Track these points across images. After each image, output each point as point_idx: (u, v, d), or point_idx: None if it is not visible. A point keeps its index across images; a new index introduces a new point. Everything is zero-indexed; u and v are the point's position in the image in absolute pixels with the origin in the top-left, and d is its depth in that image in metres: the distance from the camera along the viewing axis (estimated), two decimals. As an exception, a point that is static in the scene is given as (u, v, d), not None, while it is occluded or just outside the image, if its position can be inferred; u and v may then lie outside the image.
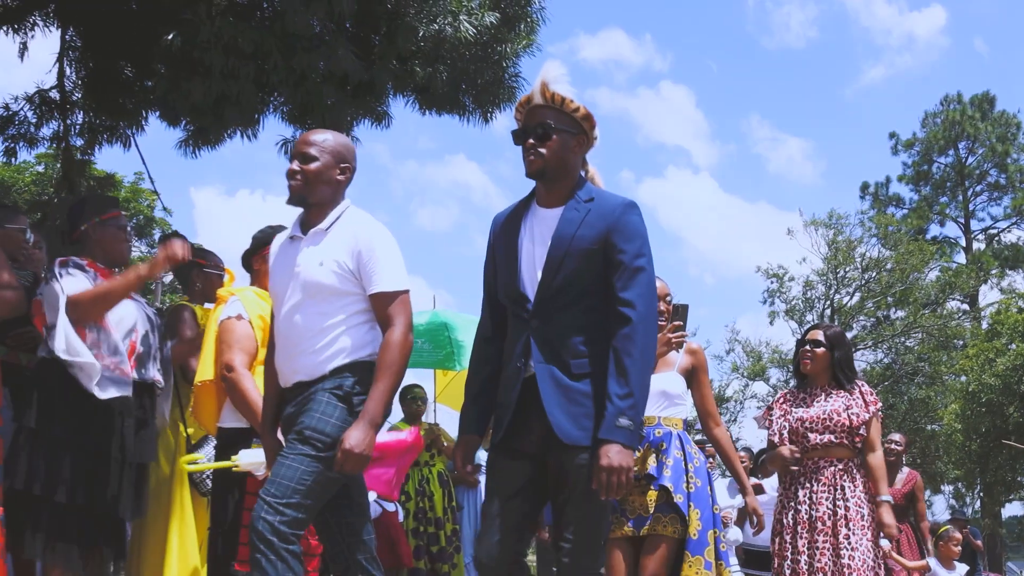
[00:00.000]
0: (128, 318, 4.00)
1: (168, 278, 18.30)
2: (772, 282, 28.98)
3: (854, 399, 4.55)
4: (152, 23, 6.17)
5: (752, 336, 40.37)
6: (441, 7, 6.19)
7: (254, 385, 3.76)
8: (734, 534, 7.47)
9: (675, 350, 4.03)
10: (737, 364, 28.99)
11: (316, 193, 3.23)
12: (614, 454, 2.73)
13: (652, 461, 3.97)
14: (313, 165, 3.22)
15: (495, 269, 3.08)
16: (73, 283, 3.85)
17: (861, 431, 4.51)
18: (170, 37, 5.73)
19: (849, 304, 27.91)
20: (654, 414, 4.02)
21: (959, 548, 7.14)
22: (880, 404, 4.69)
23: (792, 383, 4.97)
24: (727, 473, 7.33)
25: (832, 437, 4.50)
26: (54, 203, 7.93)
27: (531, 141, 2.94)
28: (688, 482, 3.94)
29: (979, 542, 11.68)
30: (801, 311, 28.29)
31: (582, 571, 2.92)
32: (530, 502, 2.97)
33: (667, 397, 4.08)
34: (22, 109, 7.54)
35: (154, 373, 4.05)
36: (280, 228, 4.29)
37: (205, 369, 3.97)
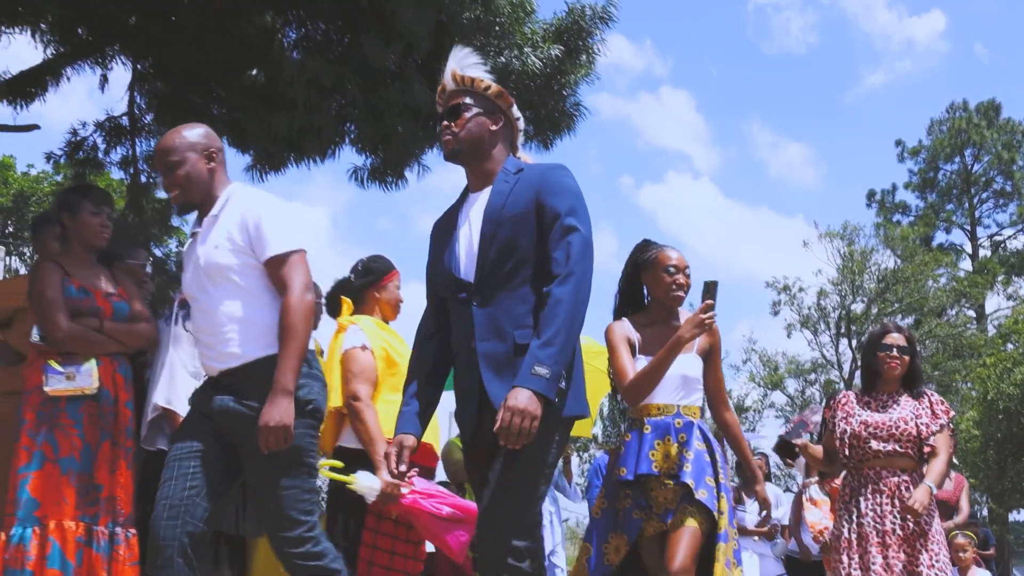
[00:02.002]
0: None
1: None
2: (783, 295, 29.16)
3: (923, 408, 4.34)
4: (227, 53, 6.41)
5: (767, 346, 40.45)
6: (508, 41, 6.43)
7: (376, 417, 4.00)
8: (781, 547, 7.69)
9: (706, 331, 3.69)
10: (754, 374, 29.16)
11: (197, 192, 3.26)
12: (522, 397, 2.60)
13: (675, 457, 3.69)
14: (181, 171, 3.23)
15: (434, 264, 3.02)
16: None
17: (930, 441, 4.26)
18: (253, 73, 6.00)
19: (860, 312, 28.11)
20: (673, 402, 3.77)
21: (966, 555, 7.29)
22: (953, 414, 4.47)
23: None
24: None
25: (897, 446, 4.25)
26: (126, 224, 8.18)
27: (445, 123, 2.95)
28: (717, 474, 3.71)
29: (989, 551, 11.73)
30: (815, 320, 28.49)
31: (506, 512, 2.72)
32: None
33: (687, 382, 3.80)
34: (91, 135, 7.79)
35: None
36: (384, 259, 4.52)
37: (332, 396, 4.09)
